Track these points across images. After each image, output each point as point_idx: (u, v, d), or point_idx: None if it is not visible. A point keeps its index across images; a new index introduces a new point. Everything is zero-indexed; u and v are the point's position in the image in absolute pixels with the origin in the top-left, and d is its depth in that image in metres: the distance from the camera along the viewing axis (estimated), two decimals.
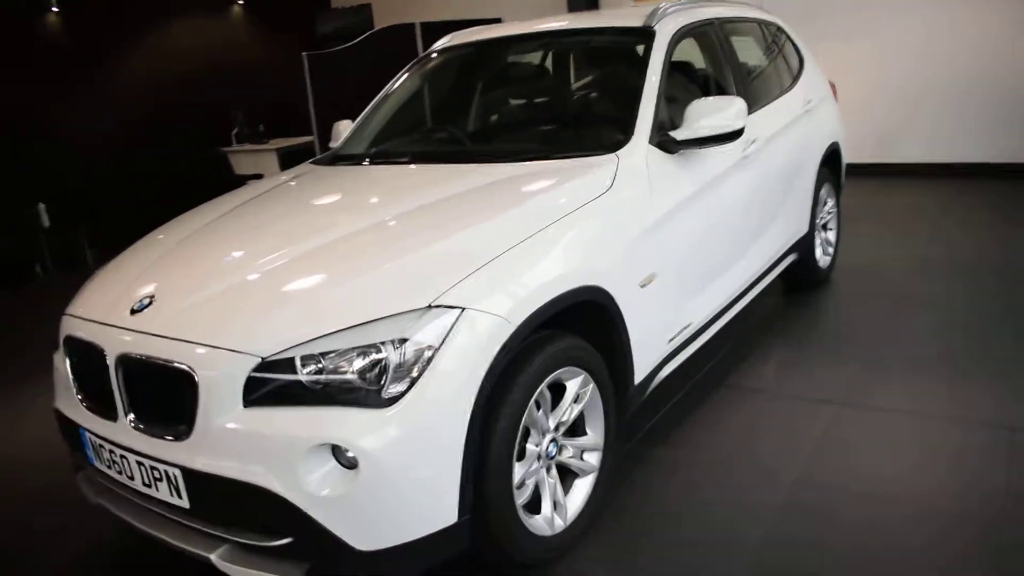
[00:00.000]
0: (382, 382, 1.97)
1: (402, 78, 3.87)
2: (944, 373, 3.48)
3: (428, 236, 2.36)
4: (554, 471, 2.43)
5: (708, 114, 2.90)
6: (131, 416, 2.20)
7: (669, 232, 2.85)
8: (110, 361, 2.20)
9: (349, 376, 1.98)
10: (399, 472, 1.95)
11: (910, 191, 7.21)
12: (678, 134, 2.92)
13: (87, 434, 2.36)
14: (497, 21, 9.14)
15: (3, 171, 7.31)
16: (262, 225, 2.81)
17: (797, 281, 4.55)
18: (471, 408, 2.03)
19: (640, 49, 3.21)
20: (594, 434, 2.55)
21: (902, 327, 4.05)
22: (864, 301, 4.50)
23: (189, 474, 2.07)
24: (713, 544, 2.48)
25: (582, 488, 2.53)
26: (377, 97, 3.86)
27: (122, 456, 2.23)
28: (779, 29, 4.53)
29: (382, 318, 2.01)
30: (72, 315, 2.48)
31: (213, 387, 2.01)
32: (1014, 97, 7.20)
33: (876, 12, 7.60)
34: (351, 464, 1.95)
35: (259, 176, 8.49)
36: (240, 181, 8.46)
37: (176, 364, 2.06)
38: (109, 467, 2.32)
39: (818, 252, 4.57)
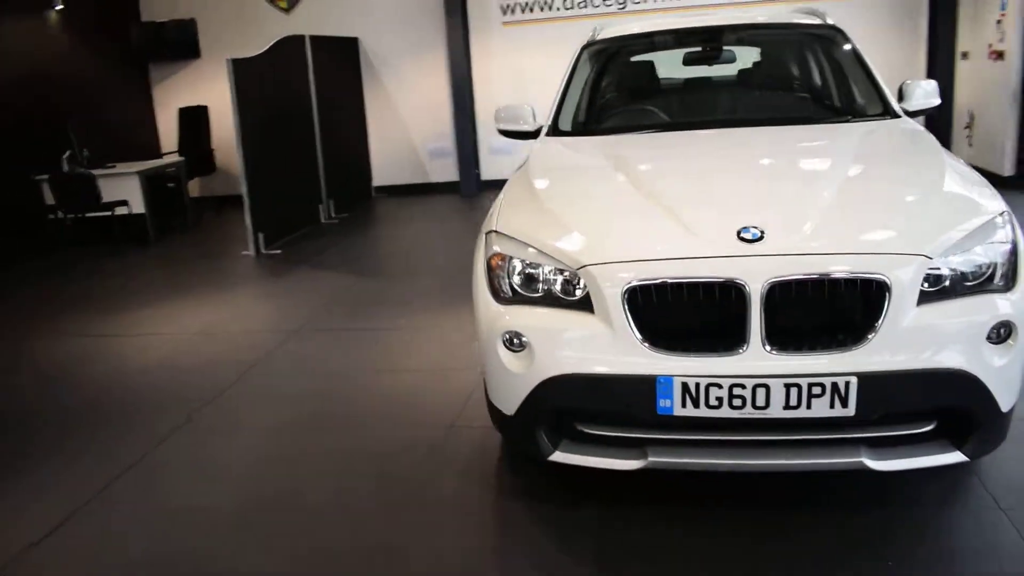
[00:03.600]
0: (996, 271, 2.37)
1: (586, 63, 4.03)
2: None
3: (911, 172, 2.80)
4: None
5: (918, 92, 3.66)
6: (766, 345, 2.26)
7: None
8: (755, 290, 2.23)
9: (975, 269, 2.34)
10: None
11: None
12: (907, 106, 3.63)
13: (676, 382, 2.31)
14: (354, 40, 9.10)
15: None
16: (737, 168, 2.99)
17: None
18: None
19: (838, 40, 3.88)
20: None
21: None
22: None
23: (864, 378, 2.23)
24: None
25: None
26: (571, 82, 3.94)
27: (756, 386, 2.26)
28: None
29: (985, 223, 2.40)
30: (622, 260, 2.37)
31: (902, 291, 2.22)
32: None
33: None
34: (1004, 338, 2.31)
35: (124, 203, 7.33)
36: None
37: (869, 276, 2.22)
38: (715, 407, 2.30)
39: None
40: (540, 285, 2.55)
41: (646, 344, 2.33)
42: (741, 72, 4.29)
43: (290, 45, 7.52)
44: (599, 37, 4.17)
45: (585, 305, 2.44)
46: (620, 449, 2.48)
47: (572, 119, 3.84)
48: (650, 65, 4.31)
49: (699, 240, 2.38)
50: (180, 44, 9.31)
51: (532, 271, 2.58)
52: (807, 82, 4.04)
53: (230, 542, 2.65)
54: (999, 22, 7.14)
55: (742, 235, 2.33)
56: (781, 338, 2.27)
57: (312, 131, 8.01)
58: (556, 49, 9.08)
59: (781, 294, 2.25)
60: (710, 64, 4.25)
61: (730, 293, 2.26)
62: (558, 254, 2.51)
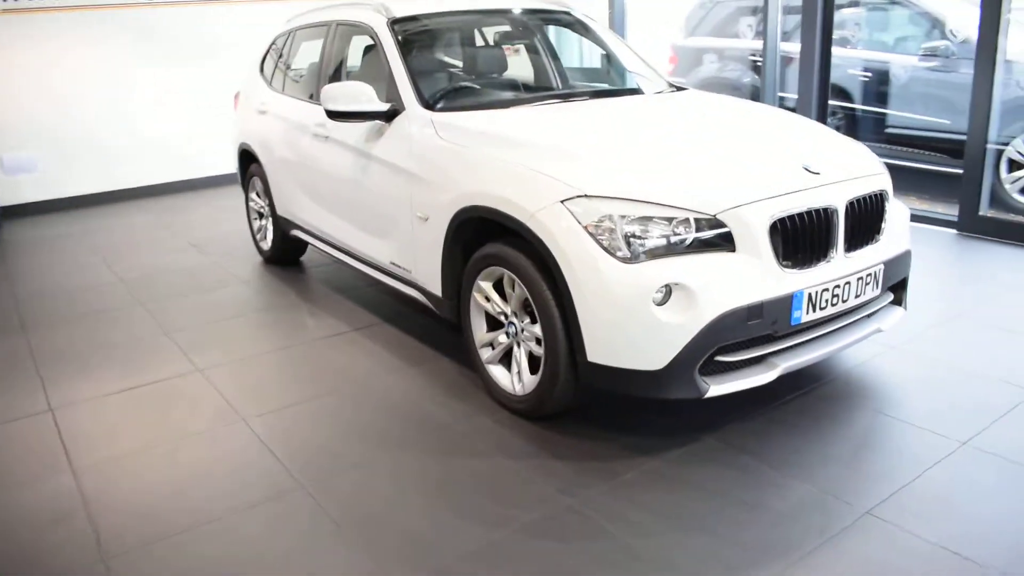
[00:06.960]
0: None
1: (400, 40, 3.86)
2: None
3: (804, 121, 3.68)
4: None
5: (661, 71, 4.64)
6: (844, 250, 2.90)
7: None
8: (841, 208, 2.85)
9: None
10: None
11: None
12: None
13: (804, 293, 2.76)
14: None
15: None
16: (700, 128, 3.52)
17: None
18: None
19: (581, 21, 4.55)
20: None
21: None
22: None
23: (886, 264, 3.06)
24: None
25: None
26: (406, 58, 3.72)
27: (846, 283, 2.88)
28: None
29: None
30: (760, 199, 2.73)
31: (889, 198, 3.12)
32: None
33: None
34: None
35: None
36: None
37: (882, 189, 3.06)
38: (823, 308, 2.84)
39: None
40: (655, 237, 2.67)
41: (785, 268, 2.72)
42: (536, 49, 4.64)
43: None
44: (400, 15, 3.99)
45: (711, 245, 2.70)
46: (753, 368, 2.80)
47: (431, 94, 3.68)
48: (469, 41, 4.33)
49: (793, 177, 2.87)
50: None
51: (641, 226, 2.67)
52: (613, 60, 4.64)
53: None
54: None
55: (810, 170, 2.90)
56: (853, 240, 2.95)
57: None
58: (70, 41, 7.52)
59: (852, 210, 2.92)
60: (513, 43, 4.48)
61: (824, 213, 2.83)
62: (682, 203, 2.69)
